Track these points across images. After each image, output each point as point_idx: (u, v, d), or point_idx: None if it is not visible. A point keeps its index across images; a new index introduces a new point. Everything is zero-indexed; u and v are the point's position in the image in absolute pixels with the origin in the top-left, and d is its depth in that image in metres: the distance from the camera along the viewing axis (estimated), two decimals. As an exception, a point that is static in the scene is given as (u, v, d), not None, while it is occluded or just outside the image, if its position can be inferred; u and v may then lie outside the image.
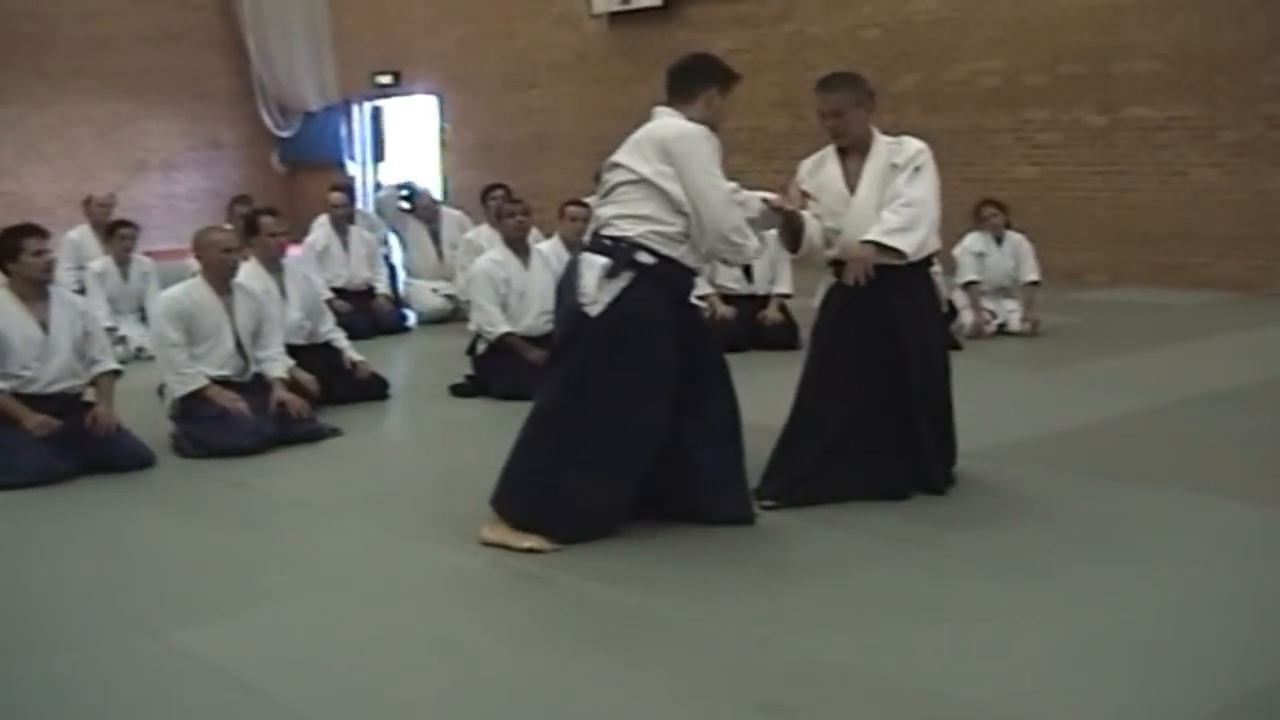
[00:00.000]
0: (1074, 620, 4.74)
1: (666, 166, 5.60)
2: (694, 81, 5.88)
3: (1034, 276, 11.51)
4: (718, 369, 5.98)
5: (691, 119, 5.77)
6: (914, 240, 6.16)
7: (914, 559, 5.49)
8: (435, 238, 13.50)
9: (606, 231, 5.70)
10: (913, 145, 6.33)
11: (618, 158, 5.76)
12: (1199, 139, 14.59)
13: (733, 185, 5.92)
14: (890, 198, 6.21)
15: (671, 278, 5.74)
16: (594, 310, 5.60)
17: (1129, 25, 14.97)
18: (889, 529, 5.84)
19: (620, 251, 5.61)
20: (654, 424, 5.71)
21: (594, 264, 5.64)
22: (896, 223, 6.12)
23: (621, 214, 5.66)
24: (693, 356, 5.82)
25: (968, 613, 4.87)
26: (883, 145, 6.33)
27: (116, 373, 7.46)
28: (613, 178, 5.76)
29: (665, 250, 5.63)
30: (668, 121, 5.77)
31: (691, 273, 5.87)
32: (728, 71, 5.97)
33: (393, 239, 14.07)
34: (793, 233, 6.34)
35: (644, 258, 5.61)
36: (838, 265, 6.40)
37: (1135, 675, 4.29)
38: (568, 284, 5.77)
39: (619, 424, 5.63)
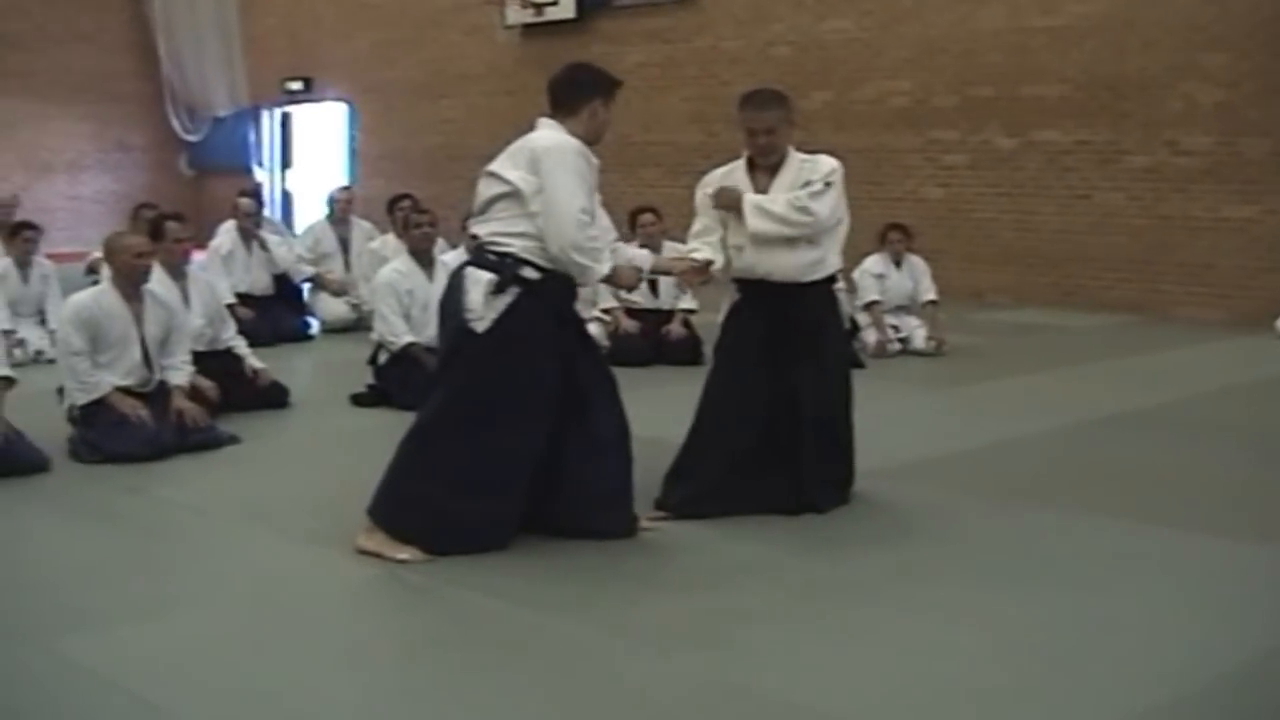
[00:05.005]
0: (960, 640, 4.77)
1: (533, 176, 5.52)
2: (577, 94, 5.79)
3: (932, 296, 11.66)
4: (603, 381, 5.94)
5: (574, 133, 5.70)
6: (765, 229, 6.17)
7: (806, 577, 5.50)
8: (344, 245, 13.45)
9: (491, 246, 5.63)
10: (827, 163, 6.30)
11: (492, 166, 5.68)
12: (1104, 163, 14.80)
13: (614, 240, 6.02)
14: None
15: (554, 293, 5.68)
16: (480, 326, 5.55)
17: (1038, 49, 15.16)
18: (784, 544, 5.85)
19: (506, 267, 5.55)
20: (531, 444, 5.66)
21: (479, 279, 5.58)
22: (777, 211, 6.15)
23: (501, 230, 5.60)
24: (576, 369, 5.78)
25: (855, 631, 4.87)
26: (795, 161, 6.31)
27: (10, 380, 7.19)
28: (486, 190, 5.68)
29: (548, 265, 5.57)
30: (545, 134, 5.69)
31: (574, 286, 5.79)
32: (610, 79, 5.89)
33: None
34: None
35: (528, 273, 5.56)
36: (741, 281, 6.41)
37: (1020, 696, 4.32)
38: (452, 299, 5.69)
39: (495, 443, 5.59)
